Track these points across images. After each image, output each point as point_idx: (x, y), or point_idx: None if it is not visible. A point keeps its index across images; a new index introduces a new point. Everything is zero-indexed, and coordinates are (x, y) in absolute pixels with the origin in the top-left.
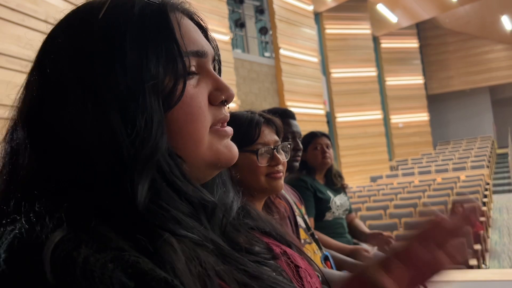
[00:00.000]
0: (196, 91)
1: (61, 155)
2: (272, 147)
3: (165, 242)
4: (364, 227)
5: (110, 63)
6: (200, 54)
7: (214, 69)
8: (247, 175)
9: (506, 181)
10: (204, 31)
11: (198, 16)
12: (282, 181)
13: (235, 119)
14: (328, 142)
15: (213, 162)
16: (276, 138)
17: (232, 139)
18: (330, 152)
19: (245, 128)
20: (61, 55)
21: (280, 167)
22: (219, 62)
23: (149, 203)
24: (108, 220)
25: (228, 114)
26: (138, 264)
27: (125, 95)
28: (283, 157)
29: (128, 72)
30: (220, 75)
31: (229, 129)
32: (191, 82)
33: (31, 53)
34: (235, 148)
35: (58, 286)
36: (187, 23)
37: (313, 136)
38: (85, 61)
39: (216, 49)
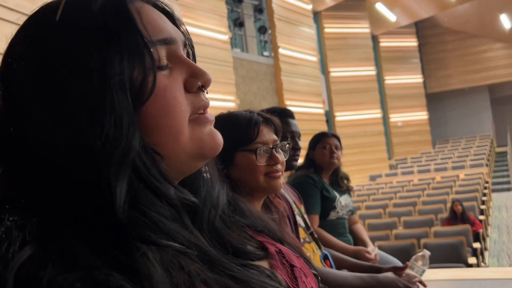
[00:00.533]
0: (169, 81)
1: (32, 167)
2: (271, 147)
3: (142, 254)
4: (364, 234)
5: (72, 66)
6: (168, 42)
7: (188, 56)
8: (246, 175)
9: (505, 179)
10: (170, 17)
11: (162, 2)
12: (281, 181)
13: (233, 119)
14: (338, 143)
15: (197, 152)
16: (275, 137)
17: (231, 139)
18: (339, 153)
19: (243, 127)
20: (22, 64)
21: (279, 167)
22: (192, 47)
23: (128, 209)
24: (82, 234)
25: (208, 100)
26: (107, 282)
27: (91, 97)
28: (282, 157)
29: (91, 73)
30: (194, 61)
31: (210, 115)
32: (163, 73)
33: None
34: (219, 136)
35: None
36: (150, 11)
37: (323, 136)
38: (47, 68)
39: (186, 33)
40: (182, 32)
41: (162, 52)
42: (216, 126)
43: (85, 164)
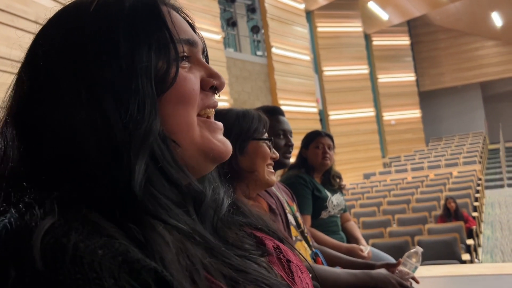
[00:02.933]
0: (189, 74)
1: (52, 146)
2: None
3: (156, 232)
4: (357, 232)
5: (103, 53)
6: (191, 43)
7: None
8: (259, 163)
9: (498, 176)
10: (191, 26)
11: (184, 13)
12: (274, 177)
13: (245, 112)
14: (331, 143)
15: (206, 150)
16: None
17: (246, 127)
18: (331, 153)
19: (257, 119)
20: (54, 48)
21: (273, 162)
22: (207, 57)
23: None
24: (100, 209)
25: (217, 101)
26: (127, 252)
27: (118, 82)
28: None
29: (121, 60)
30: None
31: (220, 124)
32: (184, 66)
33: (21, 54)
34: (228, 143)
35: (48, 272)
36: (177, 15)
37: (316, 135)
38: (78, 53)
39: (204, 44)
40: (201, 41)
41: (185, 50)
42: (227, 117)
43: (106, 143)
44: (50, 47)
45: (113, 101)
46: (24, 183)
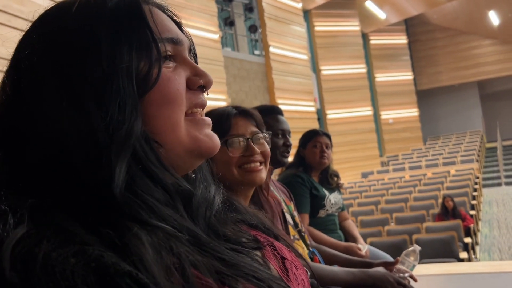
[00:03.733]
0: (173, 75)
1: (33, 149)
2: (248, 137)
3: (132, 234)
4: (355, 231)
5: (84, 53)
6: (175, 41)
7: None
8: (221, 167)
9: (495, 174)
10: (178, 25)
11: (170, 11)
12: (261, 174)
13: (207, 114)
14: (328, 142)
15: (193, 149)
16: (254, 129)
17: None
18: (329, 152)
19: (216, 121)
20: (36, 49)
21: (257, 157)
22: (195, 55)
23: (124, 190)
24: (76, 215)
25: (206, 100)
26: (101, 258)
27: (99, 82)
28: (262, 147)
29: (102, 60)
30: None
31: (208, 119)
32: (168, 66)
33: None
34: (216, 137)
35: (19, 283)
36: (160, 13)
37: (314, 134)
38: (60, 53)
39: (191, 42)
40: (188, 40)
41: (168, 49)
42: None
43: (86, 144)
44: (31, 49)
45: (94, 102)
46: (2, 190)
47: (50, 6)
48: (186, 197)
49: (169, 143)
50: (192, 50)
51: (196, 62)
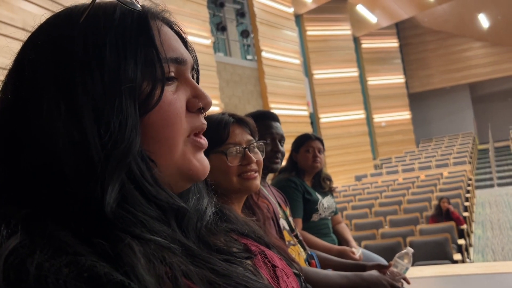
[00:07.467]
0: (174, 97)
1: (29, 157)
2: (244, 147)
3: (125, 245)
4: (348, 234)
5: (88, 66)
6: (179, 61)
7: (193, 78)
8: (219, 176)
9: (488, 176)
10: (184, 41)
11: (178, 26)
12: (256, 181)
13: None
14: (321, 146)
15: (184, 171)
16: (249, 137)
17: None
18: (321, 157)
19: (214, 129)
20: (40, 56)
21: (254, 166)
22: (198, 71)
23: (116, 207)
24: (69, 225)
25: (206, 123)
26: (94, 268)
27: (100, 98)
28: (257, 156)
29: (105, 76)
30: (198, 84)
31: (205, 142)
32: (170, 88)
33: (8, 61)
34: (206, 162)
35: None
36: (167, 31)
37: (307, 138)
38: (63, 63)
39: (195, 58)
40: (192, 57)
41: (172, 69)
42: None
43: (81, 160)
44: (36, 56)
45: (93, 117)
46: None
47: (60, 11)
48: (180, 214)
49: (164, 162)
50: (194, 68)
51: (198, 77)
